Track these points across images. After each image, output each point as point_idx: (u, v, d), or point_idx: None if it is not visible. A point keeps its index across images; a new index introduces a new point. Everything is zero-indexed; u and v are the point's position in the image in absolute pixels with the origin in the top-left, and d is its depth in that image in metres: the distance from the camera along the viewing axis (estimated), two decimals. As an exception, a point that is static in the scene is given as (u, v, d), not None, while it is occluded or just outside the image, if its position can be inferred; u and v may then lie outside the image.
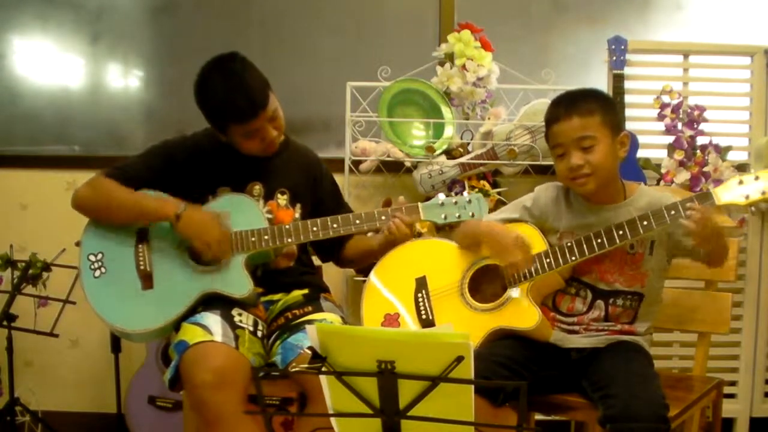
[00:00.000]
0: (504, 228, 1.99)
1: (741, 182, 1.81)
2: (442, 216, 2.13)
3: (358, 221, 2.12)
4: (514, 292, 1.93)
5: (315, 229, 2.11)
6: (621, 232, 1.85)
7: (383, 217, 2.12)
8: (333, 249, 2.32)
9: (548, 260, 1.91)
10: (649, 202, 1.95)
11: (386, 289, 2.08)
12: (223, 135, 2.13)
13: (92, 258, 2.10)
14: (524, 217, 2.03)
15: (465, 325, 1.94)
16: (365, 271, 2.12)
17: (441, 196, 2.16)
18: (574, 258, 1.89)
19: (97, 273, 2.09)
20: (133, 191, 2.10)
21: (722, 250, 1.89)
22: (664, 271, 1.99)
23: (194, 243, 2.05)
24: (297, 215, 2.22)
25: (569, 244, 1.90)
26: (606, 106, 1.92)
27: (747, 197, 1.80)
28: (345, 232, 2.12)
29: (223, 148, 2.17)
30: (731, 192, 1.81)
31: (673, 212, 1.82)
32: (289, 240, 2.10)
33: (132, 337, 2.12)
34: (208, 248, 2.04)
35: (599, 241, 1.87)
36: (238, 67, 2.05)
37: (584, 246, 1.88)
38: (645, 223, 1.84)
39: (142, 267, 2.08)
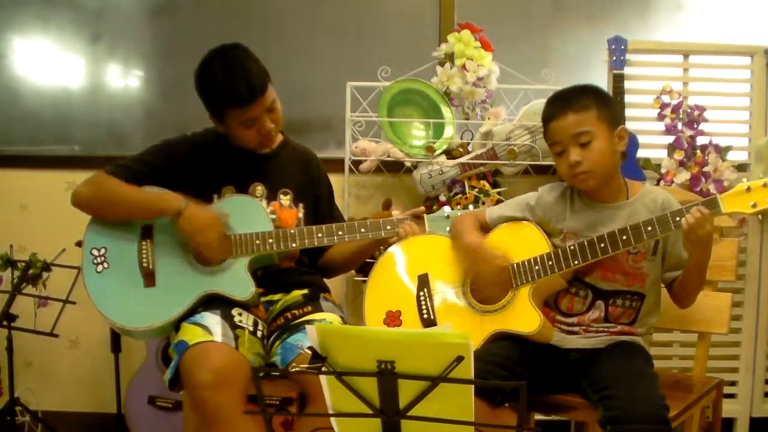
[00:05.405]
0: (489, 257, 1.96)
1: (749, 189, 1.75)
2: (447, 229, 2.13)
3: (363, 229, 2.12)
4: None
5: (320, 235, 2.11)
6: (624, 238, 1.83)
7: (388, 227, 2.12)
8: (315, 255, 2.31)
9: (550, 263, 1.90)
10: (653, 199, 1.95)
11: (389, 284, 2.07)
12: (221, 124, 2.13)
13: (95, 252, 2.10)
14: (527, 215, 2.02)
15: (466, 327, 1.94)
16: (365, 271, 2.12)
17: (447, 209, 2.18)
18: (576, 262, 1.88)
19: (100, 268, 2.09)
20: (134, 187, 2.10)
21: (704, 270, 1.87)
22: (660, 280, 1.99)
23: (192, 241, 2.05)
24: (300, 215, 2.22)
25: (572, 247, 1.89)
26: (601, 101, 1.92)
27: (754, 206, 1.74)
28: (350, 239, 2.12)
29: (223, 148, 2.18)
30: (738, 199, 1.76)
31: (678, 219, 1.78)
32: (294, 245, 2.10)
33: (131, 334, 2.11)
34: (207, 248, 2.05)
35: (602, 245, 1.85)
36: (239, 55, 2.08)
37: (587, 250, 1.87)
38: (649, 228, 1.82)
39: (144, 264, 2.08)
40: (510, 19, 3.25)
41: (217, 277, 2.06)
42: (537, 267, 1.92)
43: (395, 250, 2.11)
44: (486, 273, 1.97)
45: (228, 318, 1.99)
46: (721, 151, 2.83)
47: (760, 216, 1.79)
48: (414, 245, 2.11)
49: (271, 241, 2.08)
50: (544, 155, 2.75)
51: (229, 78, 2.03)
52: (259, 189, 2.19)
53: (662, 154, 2.89)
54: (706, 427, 2.13)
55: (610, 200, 1.97)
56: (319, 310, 2.12)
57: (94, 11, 3.27)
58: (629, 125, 2.82)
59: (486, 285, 1.97)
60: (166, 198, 2.07)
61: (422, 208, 2.20)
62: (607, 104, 1.94)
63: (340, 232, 2.11)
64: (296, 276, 2.21)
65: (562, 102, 1.92)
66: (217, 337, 1.91)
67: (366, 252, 2.26)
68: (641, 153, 2.86)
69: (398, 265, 2.09)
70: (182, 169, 2.15)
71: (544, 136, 2.00)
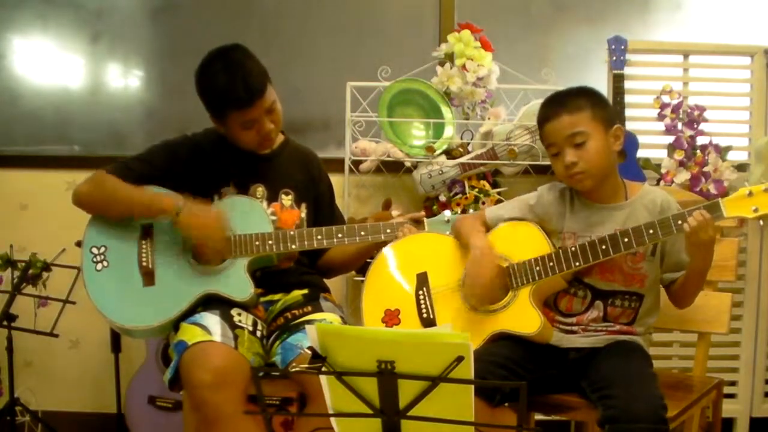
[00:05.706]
0: (488, 264, 1.93)
1: (750, 193, 1.74)
2: (447, 233, 2.13)
3: (363, 232, 2.12)
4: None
5: (320, 237, 2.11)
6: (626, 240, 1.83)
7: (388, 230, 2.12)
8: (315, 256, 2.31)
9: (551, 264, 1.90)
10: (652, 200, 1.95)
11: (387, 283, 2.07)
12: (221, 125, 2.13)
13: (95, 251, 2.10)
14: (527, 216, 2.02)
15: (466, 327, 1.94)
16: (365, 272, 2.12)
17: (447, 213, 2.18)
18: (578, 263, 1.88)
19: (99, 266, 2.09)
20: (134, 186, 2.09)
21: (705, 275, 1.87)
22: (659, 280, 1.99)
23: (193, 239, 2.06)
24: (303, 215, 2.22)
25: (573, 249, 1.89)
26: (595, 101, 1.92)
27: (756, 210, 1.74)
28: (350, 242, 2.13)
29: (224, 149, 2.18)
30: (740, 204, 1.75)
31: (680, 222, 1.78)
32: (293, 246, 2.10)
33: (130, 333, 2.12)
34: (207, 246, 2.05)
35: (603, 247, 1.85)
36: (238, 56, 2.08)
37: (588, 252, 1.87)
38: (651, 231, 1.81)
39: (144, 263, 2.08)
40: (510, 19, 3.25)
41: (216, 278, 2.06)
42: (538, 268, 1.91)
43: (394, 248, 2.10)
44: (480, 278, 1.93)
45: (227, 318, 1.99)
46: (721, 151, 2.83)
47: (761, 221, 1.78)
48: (413, 243, 2.10)
49: (270, 242, 2.08)
50: (544, 155, 2.74)
51: (228, 80, 2.03)
52: (260, 190, 2.19)
53: (662, 154, 2.89)
54: (706, 427, 2.13)
55: (608, 200, 1.97)
56: (319, 310, 2.12)
57: (94, 11, 3.27)
58: (629, 125, 2.82)
59: (474, 287, 1.94)
60: (165, 198, 2.07)
61: (422, 212, 2.20)
62: (602, 104, 1.95)
63: (339, 235, 2.11)
64: (296, 276, 2.21)
65: (556, 104, 1.93)
66: (217, 337, 1.91)
67: (365, 254, 2.26)
68: (641, 153, 2.86)
69: (397, 263, 2.09)
70: (183, 169, 2.15)
71: (540, 138, 2.00)
